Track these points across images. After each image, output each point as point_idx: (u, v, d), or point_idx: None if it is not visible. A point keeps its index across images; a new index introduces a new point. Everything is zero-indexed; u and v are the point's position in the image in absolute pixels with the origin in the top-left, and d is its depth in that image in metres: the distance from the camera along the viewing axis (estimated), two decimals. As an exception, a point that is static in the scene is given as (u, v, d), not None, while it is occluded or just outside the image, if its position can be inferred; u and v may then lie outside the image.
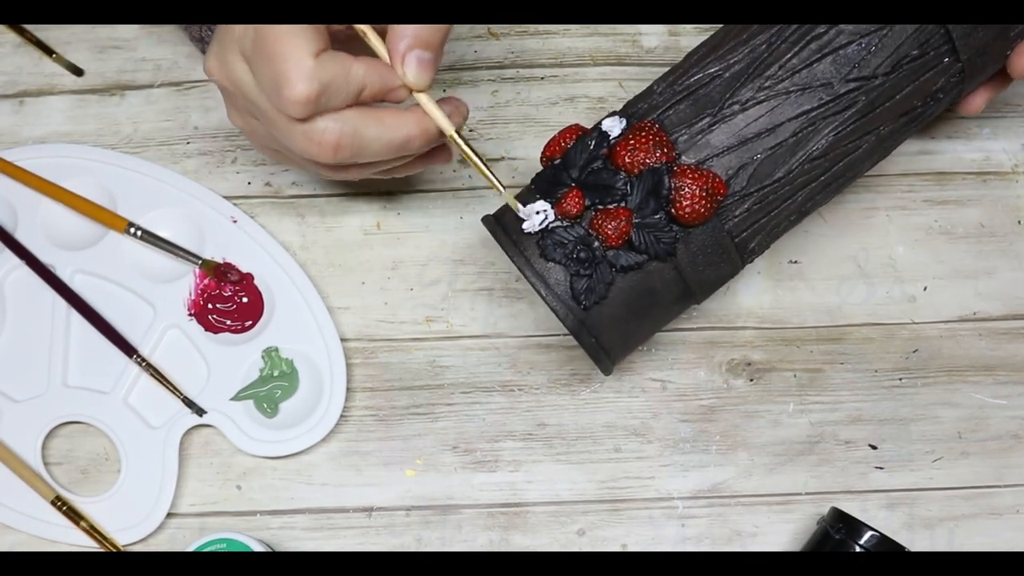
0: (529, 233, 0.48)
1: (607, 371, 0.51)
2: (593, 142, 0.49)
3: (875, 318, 0.59)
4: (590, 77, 0.62)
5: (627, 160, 0.48)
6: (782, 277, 0.59)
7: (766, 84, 0.49)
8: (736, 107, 0.49)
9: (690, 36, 0.63)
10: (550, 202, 0.48)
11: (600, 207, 0.48)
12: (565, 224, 0.48)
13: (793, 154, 0.49)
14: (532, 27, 0.63)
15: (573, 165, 0.49)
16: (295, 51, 0.44)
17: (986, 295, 0.59)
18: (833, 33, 0.48)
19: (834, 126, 0.49)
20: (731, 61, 0.49)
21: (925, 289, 0.59)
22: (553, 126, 0.61)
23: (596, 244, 0.47)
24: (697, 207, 0.47)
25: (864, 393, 0.58)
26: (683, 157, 0.48)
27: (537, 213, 0.48)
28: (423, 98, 0.48)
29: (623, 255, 0.48)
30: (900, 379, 0.58)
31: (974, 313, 0.59)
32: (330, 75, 0.45)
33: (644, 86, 0.63)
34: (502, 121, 0.62)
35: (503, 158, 0.61)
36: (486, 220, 0.51)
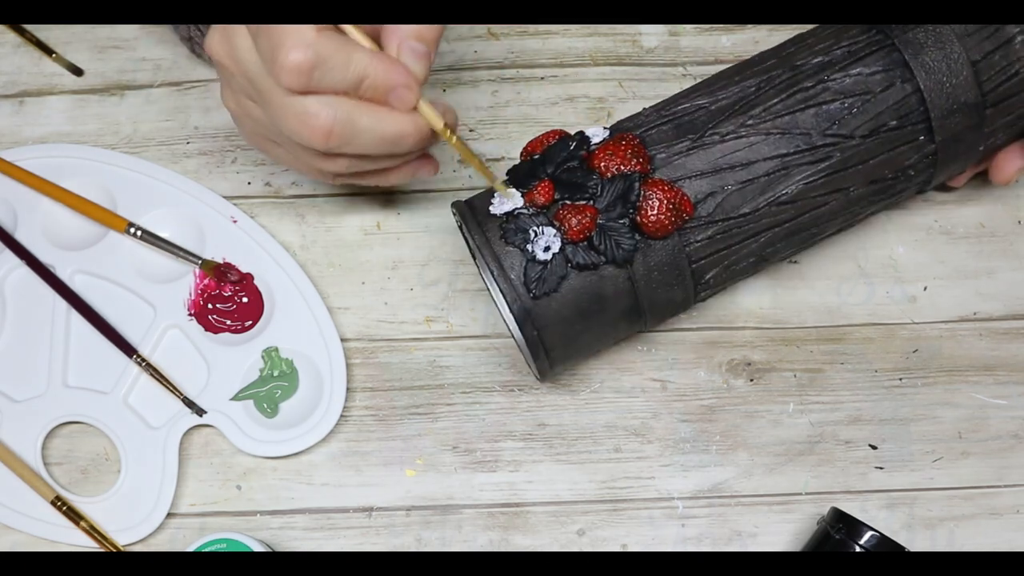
0: (494, 215, 0.49)
1: (543, 372, 0.51)
2: (574, 144, 0.50)
3: (875, 318, 0.59)
4: (590, 77, 0.62)
5: (603, 164, 0.48)
6: (782, 277, 0.59)
7: (748, 122, 0.50)
8: (716, 137, 0.50)
9: (690, 36, 0.63)
10: (521, 192, 0.49)
11: (568, 201, 0.48)
12: (531, 212, 0.48)
13: (763, 193, 0.49)
14: (532, 27, 0.63)
15: (550, 162, 0.49)
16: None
17: (986, 295, 0.59)
18: (819, 88, 0.50)
19: (806, 175, 0.50)
20: (719, 96, 0.51)
21: (925, 289, 0.59)
22: (553, 126, 0.61)
23: (557, 236, 0.48)
24: (662, 219, 0.48)
25: (864, 393, 0.58)
26: (657, 172, 0.49)
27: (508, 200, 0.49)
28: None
29: (581, 252, 0.48)
30: (900, 379, 0.58)
31: (974, 313, 0.59)
32: (329, 50, 0.45)
33: (644, 86, 0.63)
34: (502, 121, 0.62)
35: (503, 158, 0.61)
36: (456, 204, 0.51)
